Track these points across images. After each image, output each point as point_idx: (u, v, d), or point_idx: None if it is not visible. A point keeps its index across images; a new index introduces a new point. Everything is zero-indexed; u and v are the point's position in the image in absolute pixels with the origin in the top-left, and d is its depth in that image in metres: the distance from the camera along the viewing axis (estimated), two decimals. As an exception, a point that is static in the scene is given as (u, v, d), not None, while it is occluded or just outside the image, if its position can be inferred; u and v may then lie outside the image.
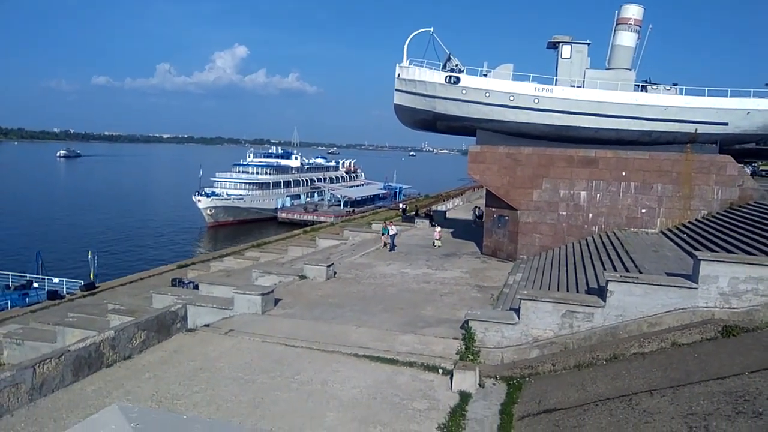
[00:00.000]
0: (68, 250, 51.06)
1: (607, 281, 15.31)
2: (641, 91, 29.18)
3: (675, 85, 29.14)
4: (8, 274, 32.14)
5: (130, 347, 14.84)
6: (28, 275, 32.73)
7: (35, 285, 31.30)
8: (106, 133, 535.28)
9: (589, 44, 29.70)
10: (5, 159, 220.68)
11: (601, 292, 15.78)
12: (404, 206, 62.09)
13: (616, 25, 29.59)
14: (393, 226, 34.52)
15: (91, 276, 31.30)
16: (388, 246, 32.71)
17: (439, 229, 36.29)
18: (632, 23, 29.29)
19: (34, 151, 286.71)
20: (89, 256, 32.33)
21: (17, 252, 48.08)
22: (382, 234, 34.12)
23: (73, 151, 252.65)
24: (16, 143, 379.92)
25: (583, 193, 28.67)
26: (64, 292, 29.32)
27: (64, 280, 31.25)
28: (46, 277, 32.26)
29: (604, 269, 19.82)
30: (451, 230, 40.15)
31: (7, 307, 27.21)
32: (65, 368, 12.89)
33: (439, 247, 33.82)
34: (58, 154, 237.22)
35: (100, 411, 3.81)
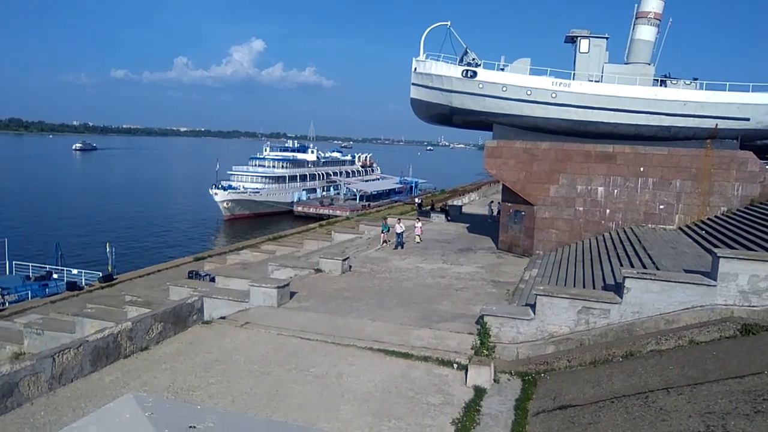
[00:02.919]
0: (87, 241, 51.73)
1: (624, 277, 15.17)
2: (660, 85, 28.82)
3: (695, 79, 28.72)
4: (28, 265, 32.69)
5: (147, 338, 15.00)
6: (47, 266, 33.23)
7: (55, 276, 31.79)
8: (124, 126, 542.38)
9: (607, 38, 29.40)
10: (27, 152, 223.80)
11: (618, 289, 15.64)
12: (420, 200, 62.10)
13: (636, 18, 29.23)
14: (400, 224, 31.84)
15: (109, 268, 31.67)
16: (390, 243, 31.27)
17: (420, 224, 33.88)
18: (652, 17, 28.91)
19: (54, 144, 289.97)
20: (107, 248, 32.67)
21: (37, 243, 48.82)
22: (382, 231, 32.30)
23: (89, 144, 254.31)
24: (51, 136, 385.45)
25: (600, 189, 28.38)
26: (83, 283, 29.74)
27: (83, 271, 31.66)
28: (65, 269, 32.73)
29: (621, 265, 19.65)
30: (467, 225, 40.01)
31: (28, 298, 27.70)
32: (84, 358, 13.07)
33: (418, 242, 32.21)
34: (74, 147, 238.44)
35: (114, 400, 3.84)
